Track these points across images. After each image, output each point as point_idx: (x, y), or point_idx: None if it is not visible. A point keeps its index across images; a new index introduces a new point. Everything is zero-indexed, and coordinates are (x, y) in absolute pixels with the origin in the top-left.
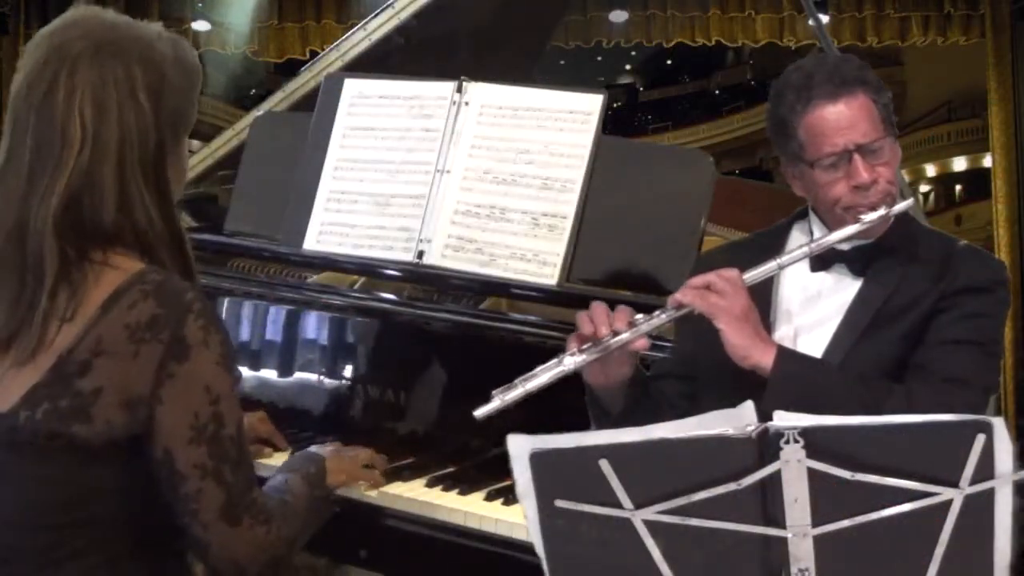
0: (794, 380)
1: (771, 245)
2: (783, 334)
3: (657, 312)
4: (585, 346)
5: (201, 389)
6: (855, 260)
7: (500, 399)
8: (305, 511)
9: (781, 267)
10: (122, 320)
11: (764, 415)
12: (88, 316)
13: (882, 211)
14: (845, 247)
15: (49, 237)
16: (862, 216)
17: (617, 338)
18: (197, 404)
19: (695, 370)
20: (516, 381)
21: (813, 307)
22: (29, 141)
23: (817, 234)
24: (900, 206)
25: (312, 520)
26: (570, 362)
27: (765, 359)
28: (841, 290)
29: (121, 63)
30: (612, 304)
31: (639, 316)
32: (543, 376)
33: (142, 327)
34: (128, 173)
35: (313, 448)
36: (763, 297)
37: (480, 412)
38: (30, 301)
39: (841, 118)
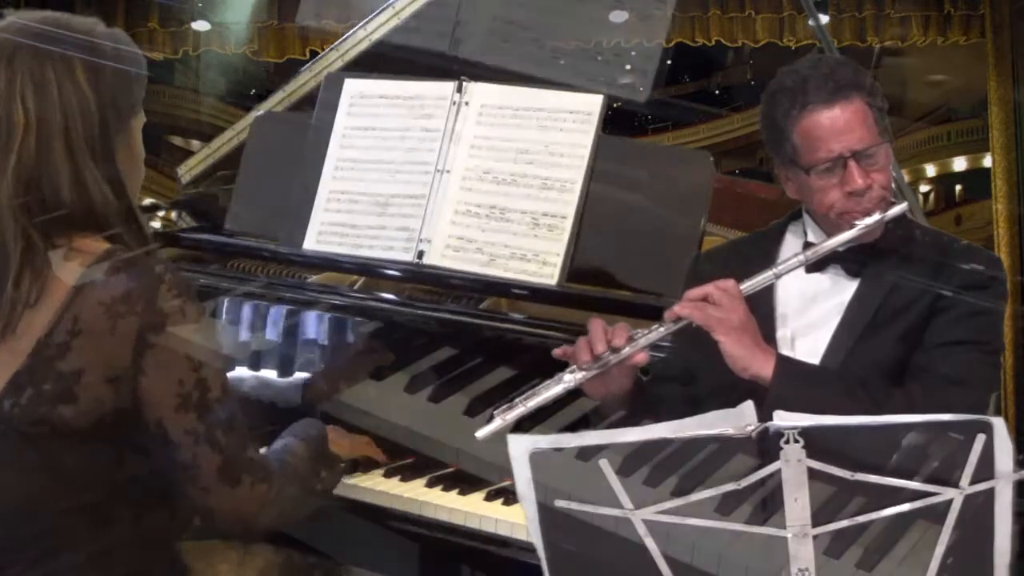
0: (795, 389)
1: (766, 247)
2: (780, 337)
3: (655, 326)
4: (584, 363)
5: (182, 357)
6: (851, 261)
7: (501, 419)
8: (307, 472)
9: (777, 276)
10: (96, 298)
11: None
12: (60, 299)
13: (877, 216)
14: (840, 248)
15: (8, 222)
16: (857, 222)
17: (616, 354)
18: (180, 372)
19: (696, 373)
20: (516, 400)
21: (810, 309)
22: None
23: (811, 236)
24: (894, 211)
25: (315, 481)
26: (569, 379)
27: (765, 369)
28: (838, 291)
29: (57, 47)
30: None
31: (637, 331)
32: (543, 395)
33: (117, 302)
34: (78, 152)
35: None
36: (761, 301)
37: (481, 433)
38: None
39: (836, 123)
